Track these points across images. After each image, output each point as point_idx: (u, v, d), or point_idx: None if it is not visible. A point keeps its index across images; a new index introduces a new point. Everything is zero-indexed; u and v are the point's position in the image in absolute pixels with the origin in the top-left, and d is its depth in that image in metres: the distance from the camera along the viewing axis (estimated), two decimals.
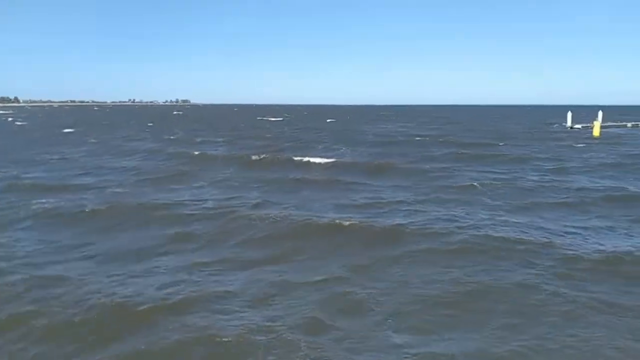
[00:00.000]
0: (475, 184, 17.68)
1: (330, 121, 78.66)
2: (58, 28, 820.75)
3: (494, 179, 18.92)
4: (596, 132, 46.14)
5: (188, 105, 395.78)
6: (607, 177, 19.81)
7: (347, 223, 12.07)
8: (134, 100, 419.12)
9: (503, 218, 12.76)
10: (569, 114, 56.90)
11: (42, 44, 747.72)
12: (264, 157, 25.46)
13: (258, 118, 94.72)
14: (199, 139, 39.21)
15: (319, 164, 23.57)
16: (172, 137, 40.71)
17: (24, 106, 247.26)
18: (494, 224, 12.08)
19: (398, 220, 12.43)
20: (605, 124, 51.58)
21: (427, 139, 39.63)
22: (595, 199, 15.15)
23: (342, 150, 29.85)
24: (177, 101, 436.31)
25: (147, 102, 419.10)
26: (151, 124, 66.92)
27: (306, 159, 24.69)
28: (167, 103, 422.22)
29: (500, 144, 35.24)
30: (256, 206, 14.27)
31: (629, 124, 57.56)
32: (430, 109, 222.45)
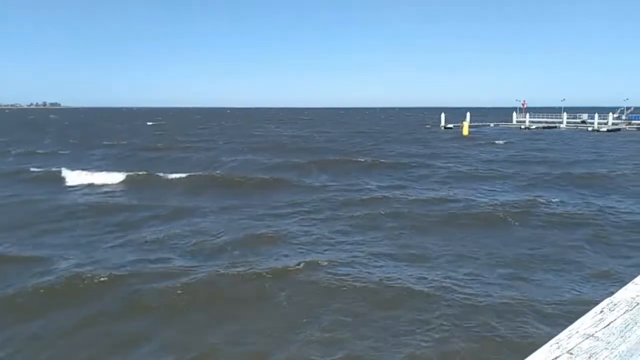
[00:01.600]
0: (367, 197, 15.67)
1: (197, 126, 73.96)
2: None
3: (390, 189, 17.16)
4: (465, 131, 49.03)
5: (57, 108, 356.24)
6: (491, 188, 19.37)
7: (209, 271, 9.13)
8: None
9: (406, 251, 10.61)
10: (443, 115, 60.56)
11: None
12: (127, 178, 19.61)
13: (138, 122, 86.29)
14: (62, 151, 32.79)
15: (185, 179, 19.50)
16: None
17: None
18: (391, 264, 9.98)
19: (284, 261, 9.60)
20: (473, 124, 55.51)
21: (320, 144, 37.59)
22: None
23: (223, 160, 26.47)
24: (44, 104, 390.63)
25: (6, 106, 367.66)
26: None
27: (174, 175, 19.99)
28: (32, 106, 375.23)
29: (389, 150, 32.80)
30: (68, 257, 9.91)
31: (492, 124, 62.59)
32: (317, 111, 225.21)
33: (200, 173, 20.92)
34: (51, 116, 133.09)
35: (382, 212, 13.45)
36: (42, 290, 7.95)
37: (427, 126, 65.49)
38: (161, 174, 20.38)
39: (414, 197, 15.67)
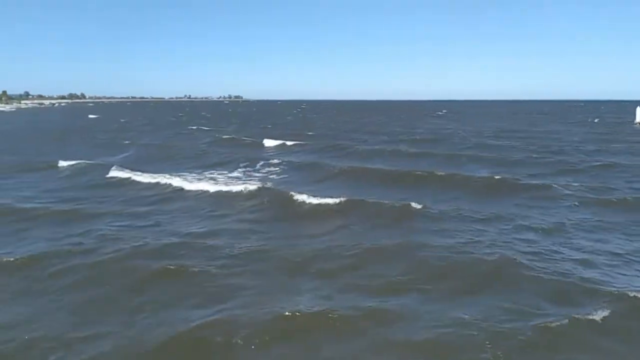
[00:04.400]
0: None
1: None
2: (124, 33, 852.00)
3: None
4: None
5: (240, 100, 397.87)
6: None
7: None
8: (189, 96, 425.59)
9: None
10: (638, 109, 49.07)
11: (103, 46, 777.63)
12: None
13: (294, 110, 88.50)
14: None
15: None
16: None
17: (87, 101, 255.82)
18: None
19: None
20: None
21: (509, 148, 30.75)
22: None
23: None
24: (229, 97, 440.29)
25: (202, 98, 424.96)
26: (181, 115, 62.67)
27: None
28: (220, 99, 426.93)
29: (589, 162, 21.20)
30: None
31: None
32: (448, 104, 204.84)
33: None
34: (225, 103, 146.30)
35: None
36: None
37: (596, 120, 56.58)
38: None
39: None
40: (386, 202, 13.22)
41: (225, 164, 21.71)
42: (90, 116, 77.67)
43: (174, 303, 7.10)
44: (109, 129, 46.89)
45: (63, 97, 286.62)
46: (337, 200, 12.96)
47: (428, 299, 7.29)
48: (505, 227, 10.96)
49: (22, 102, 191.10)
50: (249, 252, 9.29)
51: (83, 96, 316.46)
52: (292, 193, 13.93)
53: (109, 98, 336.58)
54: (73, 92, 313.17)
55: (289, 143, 30.55)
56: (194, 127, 48.18)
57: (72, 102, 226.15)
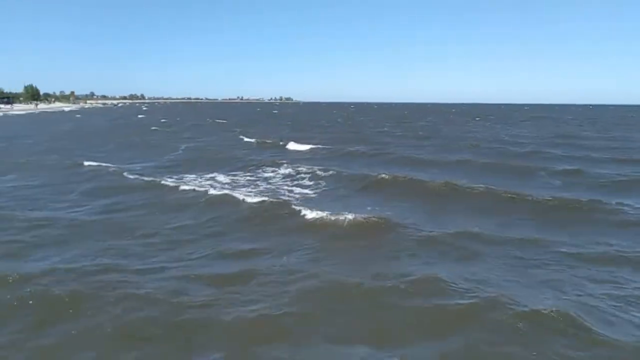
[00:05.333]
0: None
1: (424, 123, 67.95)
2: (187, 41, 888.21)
3: None
4: None
5: (289, 102, 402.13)
6: None
7: None
8: (241, 97, 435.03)
9: None
10: None
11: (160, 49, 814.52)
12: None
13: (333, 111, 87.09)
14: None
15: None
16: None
17: (144, 102, 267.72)
18: None
19: None
20: None
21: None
22: None
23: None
24: (280, 98, 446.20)
25: (253, 99, 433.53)
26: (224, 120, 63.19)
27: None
28: (271, 100, 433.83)
29: None
30: None
31: None
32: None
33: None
34: (276, 104, 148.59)
35: None
36: None
37: None
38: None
39: None
40: (442, 223, 11.41)
41: (267, 170, 20.50)
42: (139, 116, 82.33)
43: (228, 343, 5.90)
44: (145, 130, 47.41)
45: (124, 98, 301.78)
46: (385, 219, 11.31)
47: (496, 348, 5.55)
48: (579, 261, 8.86)
49: (88, 102, 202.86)
50: (302, 277, 7.95)
51: (142, 97, 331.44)
52: (340, 209, 12.39)
53: (165, 99, 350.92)
54: (134, 92, 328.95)
55: (335, 147, 29.19)
56: (238, 130, 47.84)
57: (130, 103, 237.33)
